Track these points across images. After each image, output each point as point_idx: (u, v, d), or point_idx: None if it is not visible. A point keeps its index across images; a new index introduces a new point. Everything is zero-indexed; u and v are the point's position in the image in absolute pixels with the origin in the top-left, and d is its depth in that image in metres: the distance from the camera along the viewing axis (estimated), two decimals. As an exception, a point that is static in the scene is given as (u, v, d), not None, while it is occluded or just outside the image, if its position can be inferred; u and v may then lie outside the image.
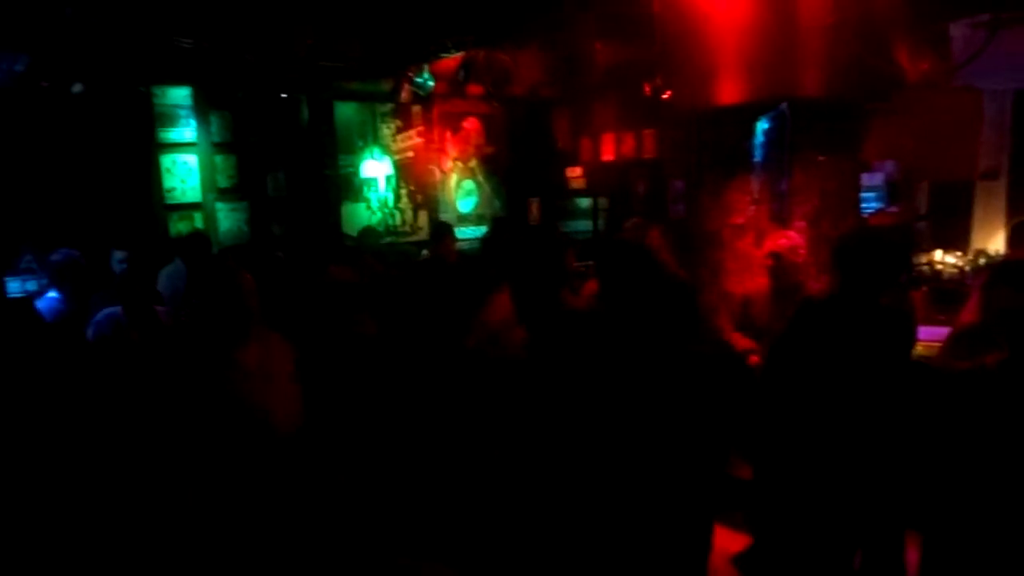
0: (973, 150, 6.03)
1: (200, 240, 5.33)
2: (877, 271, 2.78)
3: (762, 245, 4.16)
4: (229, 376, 2.51)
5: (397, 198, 7.80)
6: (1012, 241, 4.47)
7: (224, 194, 6.80)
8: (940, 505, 2.43)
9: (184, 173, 6.54)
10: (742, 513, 3.69)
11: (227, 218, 6.83)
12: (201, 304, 2.56)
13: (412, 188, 7.89)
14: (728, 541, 3.62)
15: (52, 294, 4.23)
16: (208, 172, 6.68)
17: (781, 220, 4.25)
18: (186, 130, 6.53)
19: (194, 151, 6.58)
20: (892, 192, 6.43)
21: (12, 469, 2.16)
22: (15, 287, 5.37)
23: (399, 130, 7.77)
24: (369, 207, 7.63)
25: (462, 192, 8.29)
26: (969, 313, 2.77)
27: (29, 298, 4.30)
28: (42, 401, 2.27)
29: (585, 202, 8.23)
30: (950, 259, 5.57)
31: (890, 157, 6.19)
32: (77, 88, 5.81)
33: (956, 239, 5.91)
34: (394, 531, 2.27)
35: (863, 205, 5.93)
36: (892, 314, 2.83)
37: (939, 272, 5.55)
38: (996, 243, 5.67)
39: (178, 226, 6.47)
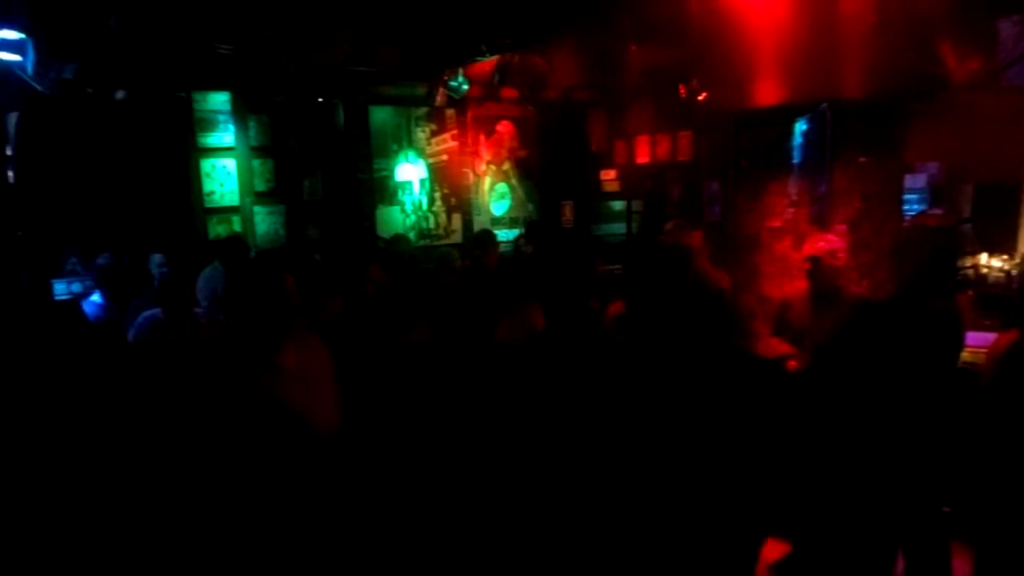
0: (1021, 151, 5.85)
1: (237, 243, 5.42)
2: (936, 271, 2.71)
3: (801, 248, 4.09)
4: (269, 377, 2.54)
5: (431, 201, 7.84)
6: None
7: (261, 198, 6.90)
8: (993, 515, 2.36)
9: (223, 177, 6.65)
10: (780, 521, 3.63)
11: (264, 221, 6.93)
12: (242, 305, 2.59)
13: (446, 191, 7.93)
14: (766, 549, 3.56)
15: (95, 298, 4.33)
16: (246, 176, 6.79)
17: (820, 223, 4.17)
18: (225, 135, 6.64)
19: (232, 155, 6.69)
20: (935, 194, 6.27)
21: (56, 466, 2.20)
22: (61, 289, 5.50)
23: (433, 133, 7.81)
24: (403, 210, 7.68)
25: (496, 195, 8.30)
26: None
27: (76, 300, 4.41)
28: (89, 401, 2.32)
29: (619, 205, 8.17)
30: (996, 263, 5.41)
31: (934, 158, 6.03)
32: (120, 95, 5.96)
33: (1002, 242, 5.73)
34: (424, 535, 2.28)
35: (905, 208, 5.80)
36: (945, 317, 2.76)
37: (984, 276, 5.40)
38: (1045, 247, 5.50)
39: (217, 229, 6.58)
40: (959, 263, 5.44)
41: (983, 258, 5.50)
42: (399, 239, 6.56)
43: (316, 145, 7.11)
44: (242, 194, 6.77)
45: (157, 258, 5.21)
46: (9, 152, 5.32)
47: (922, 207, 6.25)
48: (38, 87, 5.16)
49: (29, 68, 4.81)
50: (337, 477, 2.58)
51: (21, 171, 5.46)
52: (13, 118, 5.44)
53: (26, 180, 5.52)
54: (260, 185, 6.89)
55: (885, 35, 4.09)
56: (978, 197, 6.30)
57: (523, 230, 7.74)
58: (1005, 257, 5.47)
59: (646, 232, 7.57)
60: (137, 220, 5.89)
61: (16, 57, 4.54)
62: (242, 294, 2.62)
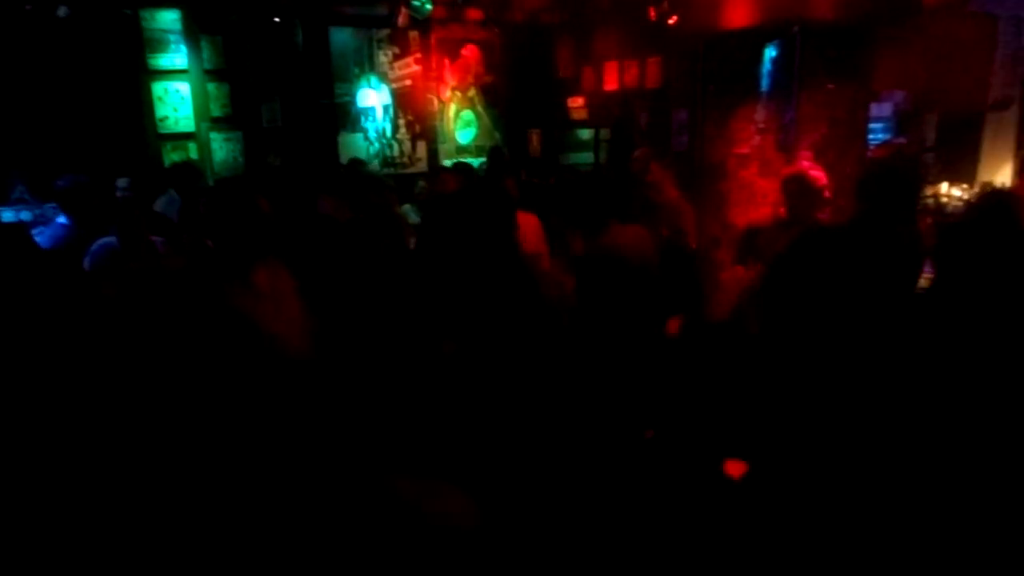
0: (984, 79, 5.88)
1: (190, 170, 5.27)
2: (901, 200, 2.73)
3: (767, 175, 4.10)
4: (243, 297, 2.49)
5: (395, 128, 7.66)
6: (1022, 171, 4.40)
7: (218, 124, 6.67)
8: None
9: (176, 101, 6.40)
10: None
11: (222, 148, 6.72)
12: (217, 225, 2.55)
13: (410, 118, 7.73)
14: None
15: (61, 220, 4.19)
16: (201, 101, 6.54)
17: (786, 149, 4.17)
18: (176, 56, 6.35)
19: (186, 79, 6.42)
20: (900, 123, 6.30)
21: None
22: (8, 216, 5.31)
23: (396, 57, 7.57)
24: (367, 137, 7.50)
25: (461, 122, 8.13)
26: None
27: (22, 224, 4.25)
28: (38, 330, 2.25)
29: (587, 133, 8.06)
30: (956, 192, 5.49)
31: (900, 86, 6.03)
32: (62, 11, 5.62)
33: (963, 171, 5.81)
34: (395, 451, 2.28)
35: (870, 136, 5.82)
36: (907, 244, 2.80)
37: (944, 205, 5.48)
38: (1003, 175, 5.58)
39: (172, 156, 6.36)
40: (921, 192, 5.52)
41: (944, 187, 5.58)
42: (356, 163, 6.40)
43: (274, 69, 6.84)
44: (197, 120, 6.53)
45: (122, 182, 5.04)
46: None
47: (887, 136, 6.29)
48: (-29, 1, 4.84)
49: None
50: (311, 404, 2.56)
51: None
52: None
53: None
54: (216, 110, 6.65)
55: (858, -44, 4.02)
56: (942, 126, 6.35)
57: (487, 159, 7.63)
58: (965, 186, 5.55)
59: (614, 162, 7.51)
60: (88, 147, 5.66)
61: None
62: (218, 213, 2.58)
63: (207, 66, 6.54)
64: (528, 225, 4.09)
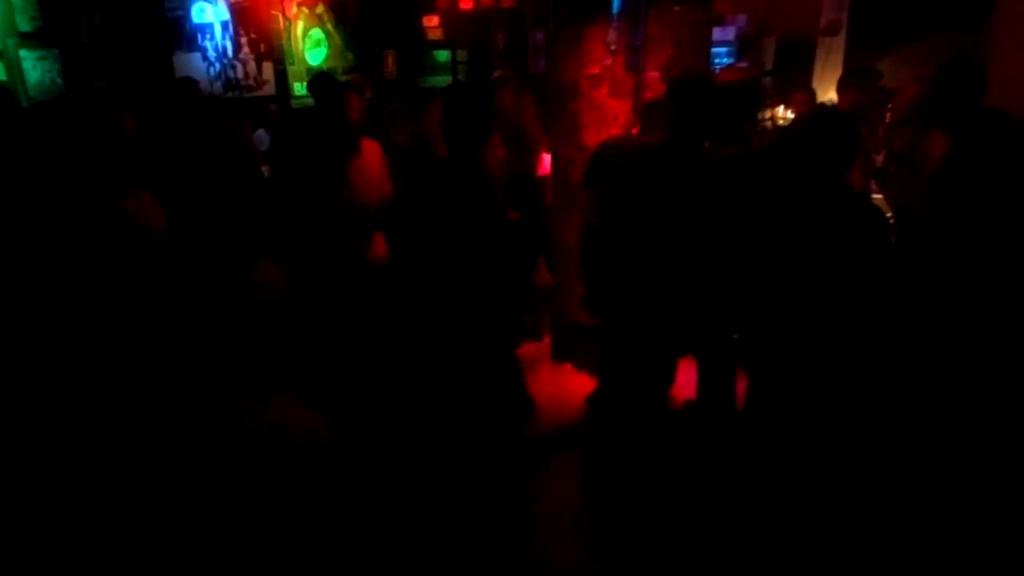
0: (817, 6, 6.21)
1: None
2: (709, 115, 2.85)
3: (617, 96, 4.17)
4: (112, 226, 2.27)
5: (237, 48, 7.11)
6: (839, 90, 4.73)
7: (28, 40, 5.93)
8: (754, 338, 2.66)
9: (-29, 13, 5.62)
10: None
11: (35, 69, 6.00)
12: (78, 148, 2.27)
13: (253, 36, 7.19)
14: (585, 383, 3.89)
15: None
16: (3, 12, 5.77)
17: (636, 71, 4.23)
18: (-34, -41, 5.55)
19: (-19, -15, 5.64)
20: (742, 47, 6.56)
21: None
22: None
23: (232, -32, 6.98)
24: (206, 57, 6.93)
25: (310, 42, 7.66)
26: None
27: None
28: None
29: (444, 55, 7.85)
30: (791, 114, 5.83)
31: (742, 11, 6.26)
32: None
33: (798, 94, 6.16)
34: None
35: (716, 60, 6.02)
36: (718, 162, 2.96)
37: (780, 126, 5.82)
38: (832, 96, 5.97)
39: (-27, 77, 5.63)
40: (759, 114, 5.83)
41: (780, 109, 5.91)
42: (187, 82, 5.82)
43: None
44: (2, 35, 5.77)
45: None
46: None
47: (730, 60, 6.55)
48: None
49: None
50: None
51: None
52: None
53: None
54: (24, 24, 5.91)
55: None
56: (779, 50, 6.70)
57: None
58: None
59: (472, 84, 7.37)
60: None
61: None
62: (74, 133, 2.29)
63: (7, -29, 5.76)
64: (371, 152, 4.08)
